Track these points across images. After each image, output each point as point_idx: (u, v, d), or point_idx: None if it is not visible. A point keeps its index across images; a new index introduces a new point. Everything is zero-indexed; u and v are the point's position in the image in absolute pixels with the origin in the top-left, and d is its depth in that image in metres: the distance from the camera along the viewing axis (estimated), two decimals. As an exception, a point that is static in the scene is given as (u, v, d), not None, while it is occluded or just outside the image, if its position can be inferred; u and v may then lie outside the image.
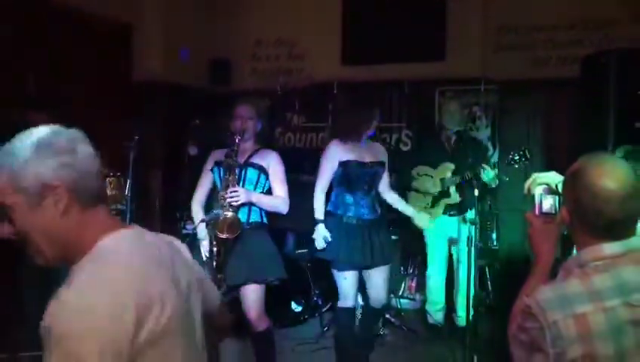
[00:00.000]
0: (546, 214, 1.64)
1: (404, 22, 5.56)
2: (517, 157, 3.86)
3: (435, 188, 4.35)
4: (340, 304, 3.58)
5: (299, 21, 6.03)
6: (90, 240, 1.26)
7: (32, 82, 4.43)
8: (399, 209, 3.81)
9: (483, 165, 4.02)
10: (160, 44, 5.65)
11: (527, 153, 3.84)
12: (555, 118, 5.26)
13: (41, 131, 1.26)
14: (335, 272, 3.52)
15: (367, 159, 3.53)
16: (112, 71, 5.26)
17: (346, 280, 3.48)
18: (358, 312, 4.05)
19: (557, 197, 1.65)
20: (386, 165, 3.66)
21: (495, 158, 5.28)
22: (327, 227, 3.47)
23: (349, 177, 3.49)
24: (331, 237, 3.45)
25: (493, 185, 4.22)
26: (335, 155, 3.50)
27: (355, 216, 3.49)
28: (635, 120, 4.08)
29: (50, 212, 1.23)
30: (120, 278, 1.20)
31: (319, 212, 3.49)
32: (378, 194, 3.67)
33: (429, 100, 5.64)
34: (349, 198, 3.51)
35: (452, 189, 4.31)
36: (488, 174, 4.02)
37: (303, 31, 6.06)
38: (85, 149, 1.28)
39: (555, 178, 1.72)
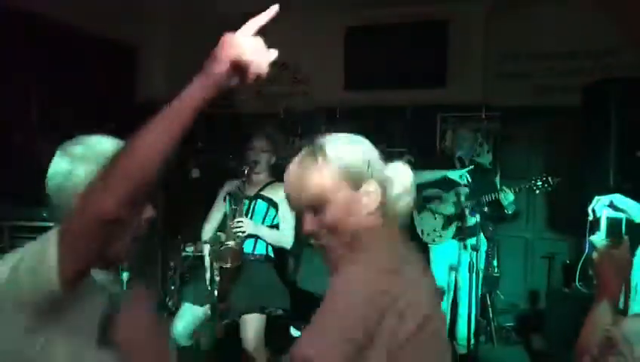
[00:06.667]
0: (614, 239, 1.53)
1: (407, 48, 5.60)
2: (539, 183, 3.89)
3: (450, 210, 4.33)
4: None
5: (302, 46, 6.06)
6: None
7: (35, 104, 4.45)
8: None
9: (504, 187, 4.03)
10: (164, 66, 5.69)
11: (550, 180, 3.91)
12: (556, 146, 5.27)
13: None
14: None
15: None
16: (116, 93, 5.29)
17: None
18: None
19: (624, 219, 1.56)
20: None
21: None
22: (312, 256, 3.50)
23: None
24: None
25: (510, 211, 4.21)
26: None
27: None
28: (636, 148, 4.08)
29: None
30: None
31: None
32: None
33: (430, 126, 5.69)
34: None
35: (467, 211, 4.27)
36: (508, 197, 4.02)
37: (307, 56, 6.09)
38: None
39: (621, 201, 1.63)
